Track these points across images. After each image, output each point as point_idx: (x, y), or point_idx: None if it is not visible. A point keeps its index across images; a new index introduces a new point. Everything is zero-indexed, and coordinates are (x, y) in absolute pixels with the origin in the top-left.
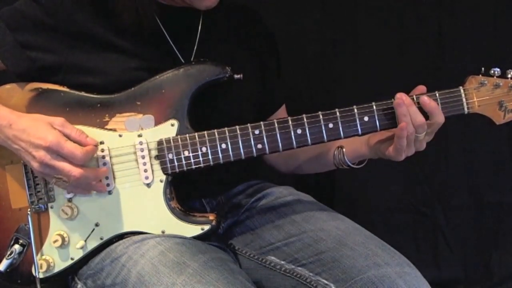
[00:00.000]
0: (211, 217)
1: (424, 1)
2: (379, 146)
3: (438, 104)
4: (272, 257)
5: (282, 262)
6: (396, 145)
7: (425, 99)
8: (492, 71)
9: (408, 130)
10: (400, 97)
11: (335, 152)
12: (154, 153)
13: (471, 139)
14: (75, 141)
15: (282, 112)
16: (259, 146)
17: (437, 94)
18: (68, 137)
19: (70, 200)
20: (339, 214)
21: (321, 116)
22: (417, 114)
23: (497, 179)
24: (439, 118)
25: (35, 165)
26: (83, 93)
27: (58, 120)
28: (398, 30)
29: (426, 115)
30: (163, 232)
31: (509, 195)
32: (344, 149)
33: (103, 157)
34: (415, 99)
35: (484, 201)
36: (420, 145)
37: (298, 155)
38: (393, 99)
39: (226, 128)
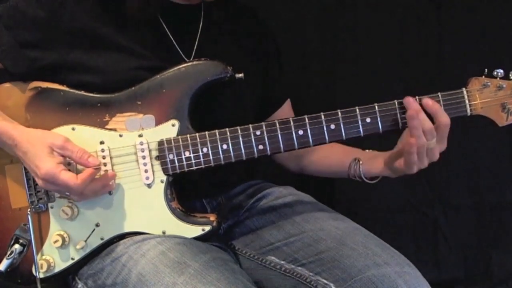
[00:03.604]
0: (212, 217)
1: (424, 2)
2: (392, 161)
3: (441, 106)
4: (272, 257)
5: (282, 262)
6: (406, 160)
7: (428, 101)
8: (495, 73)
9: (419, 142)
10: (412, 107)
11: (352, 163)
12: (154, 153)
13: (471, 139)
14: (76, 162)
15: (287, 108)
16: (261, 147)
17: (439, 96)
18: (69, 158)
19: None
20: (339, 214)
21: (323, 117)
22: (425, 120)
23: (497, 179)
24: (443, 118)
25: (39, 183)
26: (83, 93)
27: (59, 141)
28: (398, 31)
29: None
30: (163, 232)
31: (509, 195)
32: (360, 162)
33: (104, 157)
34: (417, 101)
35: (484, 201)
36: (433, 155)
37: (312, 158)
38: (395, 101)
39: (227, 129)
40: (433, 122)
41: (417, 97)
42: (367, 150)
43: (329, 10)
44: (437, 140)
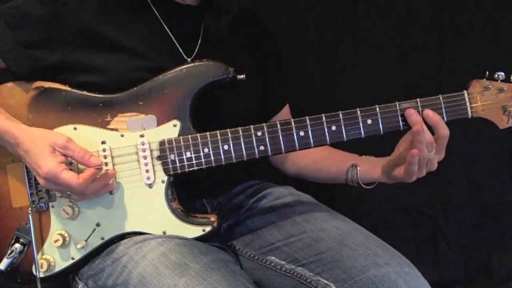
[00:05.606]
0: (212, 218)
1: (425, 2)
2: (390, 169)
3: (442, 108)
4: (272, 257)
5: (282, 262)
6: (407, 170)
7: (429, 113)
8: (496, 75)
9: (421, 155)
10: (416, 120)
11: (349, 169)
12: (156, 153)
13: (471, 139)
14: (78, 162)
15: (285, 112)
16: (262, 148)
17: (440, 98)
18: (71, 157)
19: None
20: (339, 214)
21: (324, 119)
22: (427, 133)
23: (497, 179)
24: (443, 131)
25: (40, 182)
26: (85, 92)
27: (61, 140)
28: (399, 32)
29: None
30: (164, 233)
31: (509, 195)
32: (358, 168)
33: (105, 157)
34: (420, 113)
35: (484, 201)
36: (432, 165)
37: (308, 162)
38: (396, 103)
39: (228, 129)
40: (432, 133)
41: (418, 100)
42: (364, 156)
43: (329, 10)
44: (436, 151)
